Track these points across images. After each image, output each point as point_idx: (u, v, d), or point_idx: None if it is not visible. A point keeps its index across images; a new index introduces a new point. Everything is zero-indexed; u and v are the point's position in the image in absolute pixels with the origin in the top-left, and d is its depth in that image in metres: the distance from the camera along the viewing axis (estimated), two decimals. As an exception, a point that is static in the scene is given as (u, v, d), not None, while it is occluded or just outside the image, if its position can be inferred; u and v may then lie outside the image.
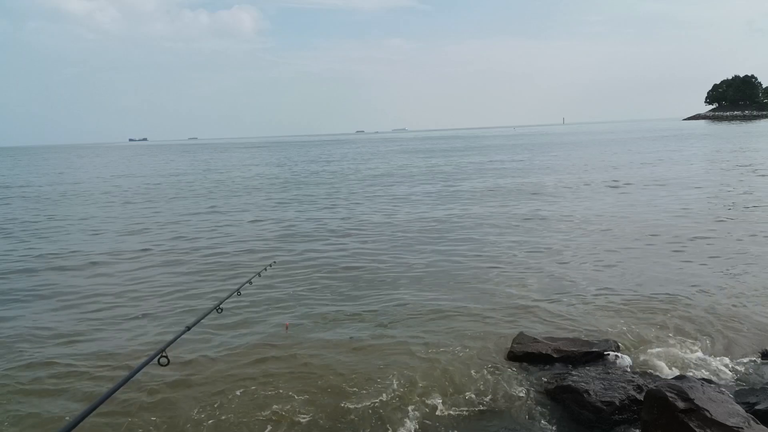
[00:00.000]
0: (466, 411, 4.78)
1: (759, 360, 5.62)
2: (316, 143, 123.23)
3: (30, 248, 12.66)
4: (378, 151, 63.29)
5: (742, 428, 3.87)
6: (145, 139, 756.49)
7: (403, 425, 4.58)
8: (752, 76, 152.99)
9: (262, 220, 15.68)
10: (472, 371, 5.51)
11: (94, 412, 2.13)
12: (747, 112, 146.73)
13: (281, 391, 5.24)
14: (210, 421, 4.76)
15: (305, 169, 36.46)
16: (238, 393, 5.24)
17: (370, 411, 4.81)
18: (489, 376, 5.40)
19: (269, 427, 4.64)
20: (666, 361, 5.62)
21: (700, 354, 5.77)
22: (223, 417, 4.82)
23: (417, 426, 4.57)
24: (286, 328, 6.44)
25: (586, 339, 6.01)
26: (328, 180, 28.31)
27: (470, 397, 5.00)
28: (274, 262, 8.44)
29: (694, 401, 4.10)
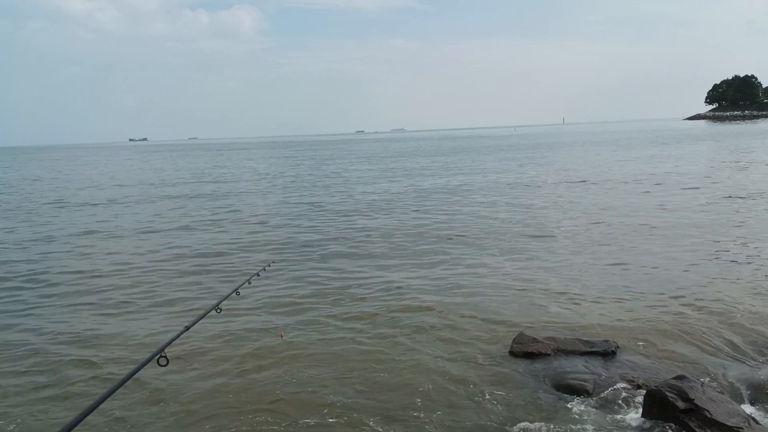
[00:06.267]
0: (466, 411, 4.77)
1: (759, 359, 5.61)
2: (305, 145, 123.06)
3: (32, 248, 12.67)
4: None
5: (742, 428, 3.86)
6: (145, 139, 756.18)
7: (402, 425, 4.58)
8: (752, 76, 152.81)
9: (261, 223, 15.68)
10: (473, 371, 5.50)
11: (93, 413, 2.12)
12: (747, 112, 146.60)
13: (280, 391, 5.24)
14: (208, 422, 4.75)
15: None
16: (237, 393, 5.23)
17: (369, 412, 4.81)
18: (489, 376, 5.39)
19: (267, 428, 4.64)
20: (666, 361, 5.61)
21: (700, 354, 5.77)
22: (222, 417, 4.81)
23: (416, 426, 4.56)
24: (281, 337, 6.43)
25: (586, 339, 6.01)
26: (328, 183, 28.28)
27: (470, 397, 4.99)
28: (273, 262, 8.46)
29: (694, 401, 4.10)
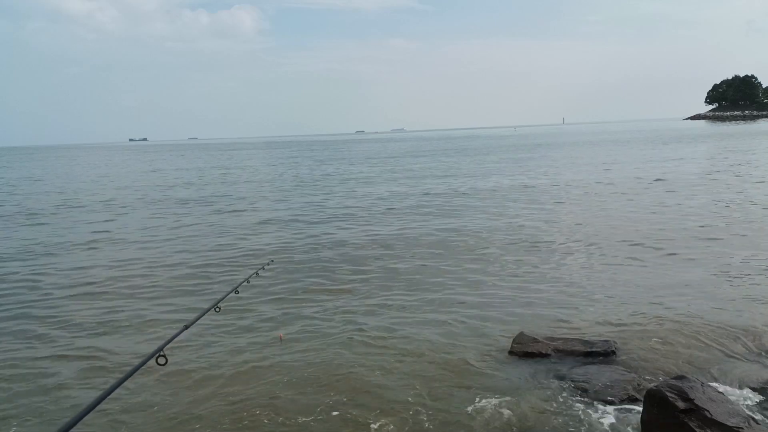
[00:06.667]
0: (465, 410, 4.77)
1: (758, 360, 5.61)
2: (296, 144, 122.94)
3: (33, 246, 12.67)
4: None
5: (742, 428, 3.85)
6: (145, 139, 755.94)
7: (400, 423, 4.57)
8: (752, 76, 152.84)
9: (260, 223, 15.68)
10: (472, 371, 5.50)
11: (91, 412, 2.11)
12: (747, 112, 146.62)
13: (278, 390, 5.23)
14: (207, 420, 4.74)
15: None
16: (235, 392, 5.23)
17: (367, 409, 4.80)
18: (488, 376, 5.39)
19: (266, 426, 4.63)
20: (666, 361, 5.61)
21: (700, 354, 5.76)
22: (220, 416, 4.81)
23: (414, 424, 4.56)
24: (281, 338, 6.45)
25: (586, 339, 6.01)
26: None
27: (469, 397, 4.99)
28: (272, 260, 8.45)
29: (694, 401, 4.09)
